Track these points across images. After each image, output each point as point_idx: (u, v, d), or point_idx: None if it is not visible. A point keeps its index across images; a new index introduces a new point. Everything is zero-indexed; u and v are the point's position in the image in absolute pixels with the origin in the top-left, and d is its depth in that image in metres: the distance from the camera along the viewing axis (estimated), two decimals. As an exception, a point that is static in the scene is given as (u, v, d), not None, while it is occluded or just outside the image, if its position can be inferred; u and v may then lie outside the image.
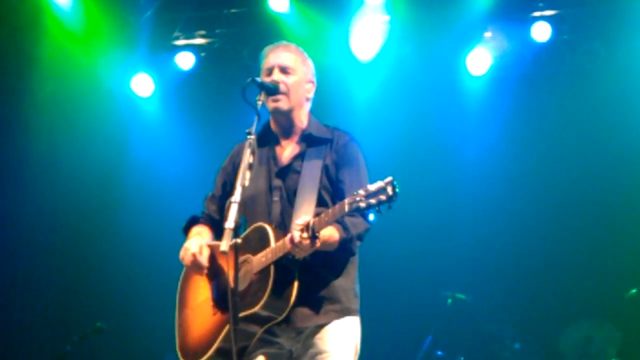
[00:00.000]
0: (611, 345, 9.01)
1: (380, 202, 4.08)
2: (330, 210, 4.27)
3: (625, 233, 9.58)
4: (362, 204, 4.11)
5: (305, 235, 4.24)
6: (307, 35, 9.65)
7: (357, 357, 4.68)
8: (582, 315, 9.34)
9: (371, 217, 4.56)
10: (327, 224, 4.29)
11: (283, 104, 4.79)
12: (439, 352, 9.16)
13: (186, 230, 5.03)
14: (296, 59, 4.90)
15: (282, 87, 4.77)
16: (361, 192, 4.13)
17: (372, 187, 4.11)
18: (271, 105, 4.79)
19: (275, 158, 4.85)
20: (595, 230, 9.67)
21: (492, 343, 9.32)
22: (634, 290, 8.93)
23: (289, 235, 4.33)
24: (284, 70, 4.82)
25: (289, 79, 4.81)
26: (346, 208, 4.17)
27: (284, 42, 5.04)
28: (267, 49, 4.97)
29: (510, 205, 9.90)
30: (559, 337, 9.28)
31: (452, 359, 9.15)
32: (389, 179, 4.10)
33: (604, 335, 9.06)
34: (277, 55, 4.88)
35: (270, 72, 4.83)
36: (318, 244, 4.30)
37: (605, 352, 9.00)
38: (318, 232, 4.27)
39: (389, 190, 4.07)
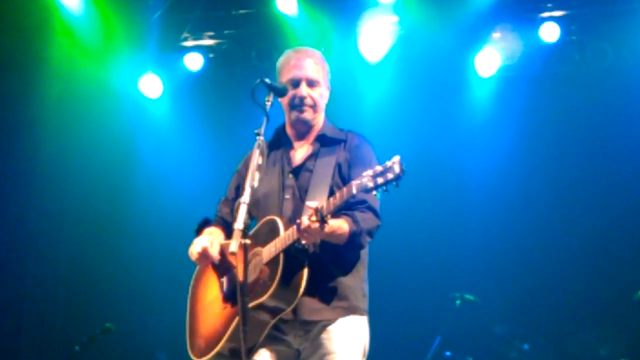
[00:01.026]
0: (620, 346, 8.99)
1: (387, 181, 4.08)
2: (338, 193, 4.27)
3: (635, 234, 9.56)
4: (370, 184, 4.10)
5: (314, 218, 4.23)
6: (315, 37, 9.66)
7: (365, 357, 4.68)
8: (591, 317, 9.32)
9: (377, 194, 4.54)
10: (335, 206, 4.27)
11: (308, 115, 4.85)
12: (448, 353, 9.15)
13: (198, 231, 5.04)
14: (320, 70, 4.91)
15: (308, 101, 4.81)
16: (369, 172, 4.13)
17: (380, 167, 4.12)
18: (294, 114, 4.83)
19: (289, 159, 4.88)
20: (605, 232, 9.65)
21: (500, 344, 9.30)
22: (641, 292, 8.92)
23: (298, 220, 4.32)
24: (311, 84, 4.84)
25: (315, 92, 4.84)
26: (354, 189, 4.16)
27: (308, 50, 5.02)
28: (290, 55, 4.96)
29: (520, 207, 9.89)
30: (568, 338, 9.26)
31: (461, 359, 9.14)
32: (397, 157, 4.11)
33: (612, 336, 9.03)
34: (303, 67, 4.86)
35: (297, 84, 4.82)
36: (327, 228, 4.28)
37: (615, 353, 8.98)
38: (327, 215, 4.26)
39: (397, 168, 4.08)
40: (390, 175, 4.07)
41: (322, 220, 4.24)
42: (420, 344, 9.37)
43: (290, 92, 4.80)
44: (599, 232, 9.67)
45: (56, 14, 9.79)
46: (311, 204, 4.28)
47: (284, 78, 4.86)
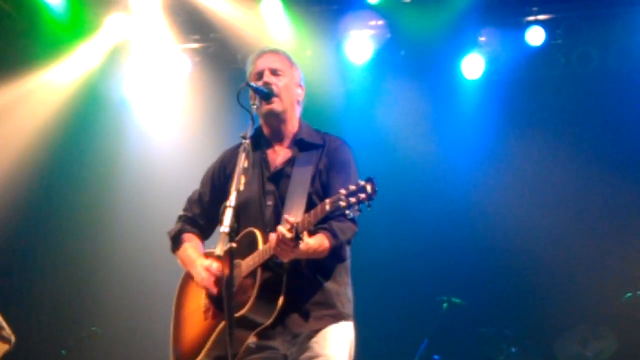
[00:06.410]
0: (607, 349, 9.01)
1: (360, 201, 4.11)
2: (312, 211, 4.29)
3: (620, 237, 9.58)
4: (343, 203, 4.12)
5: (288, 235, 4.24)
6: (301, 40, 9.66)
7: (351, 361, 4.69)
8: (578, 319, 9.33)
9: (350, 214, 4.54)
10: (310, 224, 4.30)
11: (277, 105, 4.81)
12: (436, 357, 9.15)
13: (176, 245, 5.04)
14: (284, 62, 4.94)
15: (274, 89, 4.78)
16: (342, 191, 4.14)
17: (353, 187, 4.14)
18: (265, 108, 4.79)
19: (267, 162, 4.86)
20: (591, 235, 9.66)
21: (488, 347, 9.31)
22: (629, 294, 8.92)
23: (272, 235, 4.34)
24: (274, 72, 4.85)
25: (280, 81, 4.83)
26: (327, 208, 4.19)
27: (271, 48, 5.07)
28: (253, 55, 5.01)
29: (506, 209, 9.88)
30: (555, 341, 9.28)
31: (448, 363, 9.17)
32: (370, 178, 4.14)
33: (600, 339, 9.05)
34: (266, 60, 4.92)
35: (260, 75, 4.85)
36: (302, 245, 4.30)
37: (601, 356, 8.99)
38: (302, 232, 4.28)
39: (369, 188, 4.11)
40: (362, 196, 4.11)
41: (297, 238, 4.26)
42: (408, 348, 9.38)
43: (258, 85, 4.79)
44: (586, 235, 9.68)
45: (43, 19, 9.78)
46: (283, 227, 4.29)
47: (252, 79, 4.87)
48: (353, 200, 4.10)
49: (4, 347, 6.91)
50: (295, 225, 4.25)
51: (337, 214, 4.37)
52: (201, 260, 4.83)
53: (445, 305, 9.32)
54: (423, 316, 9.49)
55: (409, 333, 9.53)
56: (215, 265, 4.69)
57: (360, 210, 4.13)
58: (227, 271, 4.17)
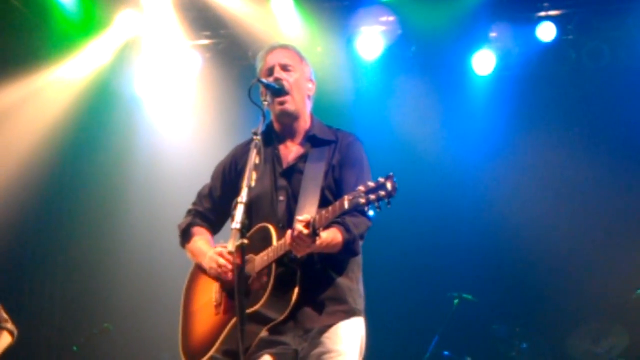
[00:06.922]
0: (619, 345, 8.99)
1: (379, 198, 4.06)
2: (330, 208, 4.24)
3: (632, 233, 9.56)
4: (362, 200, 4.08)
5: (305, 231, 4.22)
6: (312, 36, 9.66)
7: (362, 356, 4.67)
8: (590, 316, 9.32)
9: (371, 212, 4.52)
10: (327, 220, 4.26)
11: (290, 105, 4.79)
12: (446, 352, 9.15)
13: (186, 238, 5.02)
14: (294, 57, 4.92)
15: (286, 85, 4.76)
16: (361, 188, 4.10)
17: (372, 184, 4.09)
18: (278, 108, 4.78)
19: (279, 158, 4.84)
20: (603, 231, 9.65)
21: (498, 343, 9.31)
22: (640, 291, 8.91)
23: (289, 232, 4.32)
24: (284, 68, 4.83)
25: (291, 77, 4.81)
26: (346, 205, 4.14)
27: (280, 43, 5.04)
28: (263, 51, 4.98)
29: (517, 206, 9.88)
30: (567, 337, 9.27)
31: (459, 359, 9.14)
32: (389, 175, 4.08)
33: (611, 335, 9.04)
34: (276, 55, 4.89)
35: (271, 71, 4.82)
36: (318, 241, 4.28)
37: (613, 353, 8.98)
38: (319, 229, 4.25)
39: (389, 186, 4.05)
40: (382, 193, 4.05)
41: (314, 234, 4.23)
42: (418, 344, 9.38)
43: (269, 81, 4.77)
44: (597, 231, 9.68)
45: (53, 15, 9.80)
46: (302, 217, 4.27)
47: (262, 75, 4.85)
48: (372, 197, 4.06)
49: (7, 338, 6.99)
50: (312, 221, 4.23)
51: (354, 211, 4.33)
52: (212, 251, 4.80)
53: (456, 301, 9.32)
54: (434, 312, 9.49)
55: (420, 329, 9.54)
56: (226, 253, 4.63)
57: (380, 208, 4.08)
58: (238, 267, 4.16)
